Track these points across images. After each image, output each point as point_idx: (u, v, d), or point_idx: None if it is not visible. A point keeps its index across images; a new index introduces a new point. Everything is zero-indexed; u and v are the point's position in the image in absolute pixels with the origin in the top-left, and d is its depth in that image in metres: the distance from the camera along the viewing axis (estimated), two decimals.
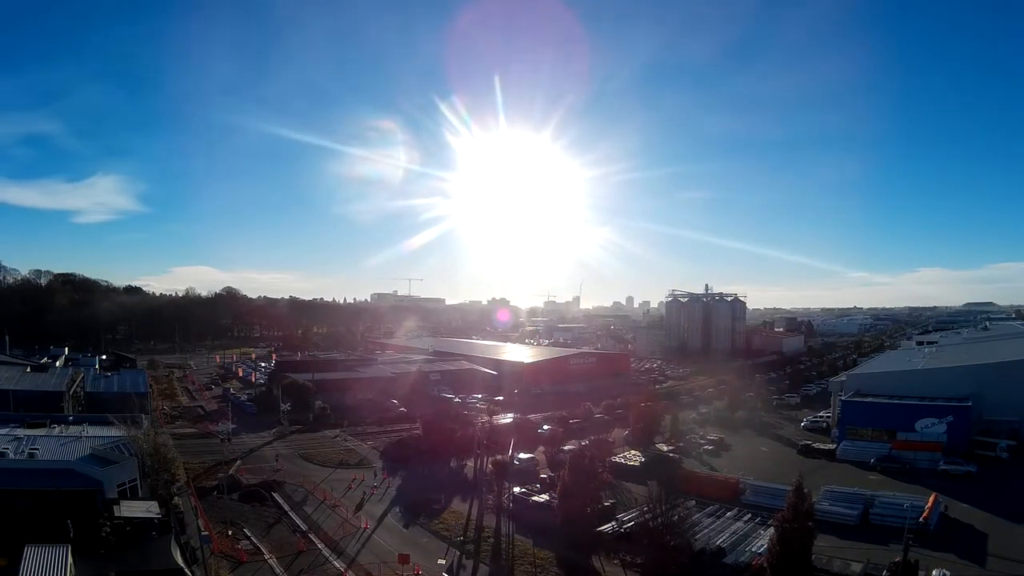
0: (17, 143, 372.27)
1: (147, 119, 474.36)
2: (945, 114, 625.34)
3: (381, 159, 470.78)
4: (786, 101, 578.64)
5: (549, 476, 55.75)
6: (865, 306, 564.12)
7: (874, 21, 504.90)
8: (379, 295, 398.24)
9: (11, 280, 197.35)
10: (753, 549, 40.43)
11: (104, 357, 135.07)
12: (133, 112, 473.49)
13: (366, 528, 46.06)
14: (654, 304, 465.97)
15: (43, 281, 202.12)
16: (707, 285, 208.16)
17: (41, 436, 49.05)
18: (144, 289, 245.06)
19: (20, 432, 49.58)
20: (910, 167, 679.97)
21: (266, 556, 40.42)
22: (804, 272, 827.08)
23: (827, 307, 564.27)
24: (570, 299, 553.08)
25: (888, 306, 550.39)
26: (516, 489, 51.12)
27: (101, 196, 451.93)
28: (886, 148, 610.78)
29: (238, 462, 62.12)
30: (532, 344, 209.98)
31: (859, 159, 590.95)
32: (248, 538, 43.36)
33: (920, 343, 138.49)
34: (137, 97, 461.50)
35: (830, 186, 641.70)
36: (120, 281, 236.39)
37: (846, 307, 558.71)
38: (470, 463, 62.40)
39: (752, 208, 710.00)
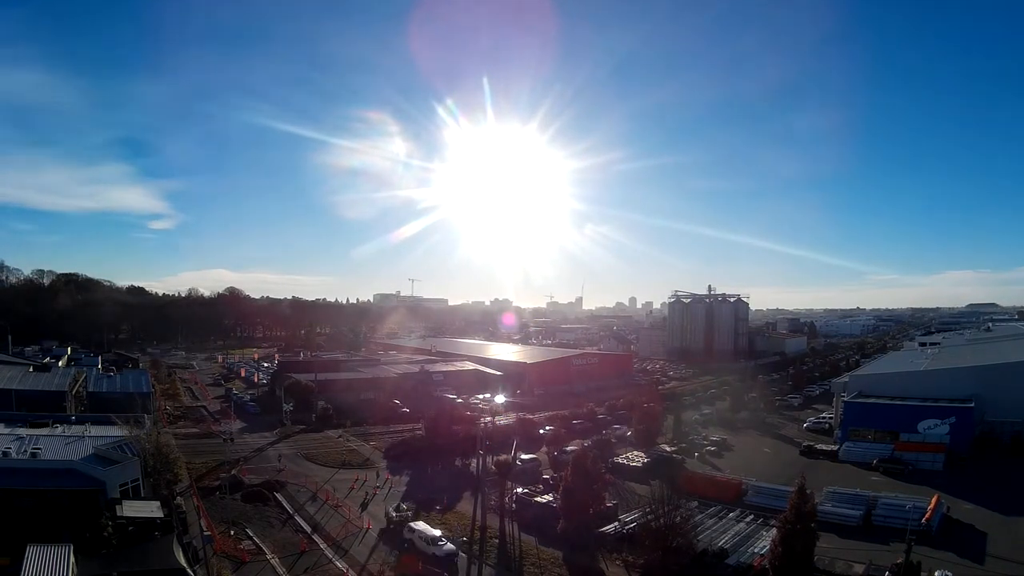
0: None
1: (148, 120, 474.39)
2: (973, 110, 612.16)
3: (382, 155, 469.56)
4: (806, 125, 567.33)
5: (552, 476, 55.74)
6: (869, 307, 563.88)
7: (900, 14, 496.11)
8: (382, 295, 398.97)
9: (14, 280, 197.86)
10: (755, 550, 40.39)
11: (107, 355, 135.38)
12: (133, 112, 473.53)
13: (368, 528, 46.10)
14: (657, 305, 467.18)
15: (46, 281, 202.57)
16: (710, 286, 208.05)
17: (44, 436, 49.13)
18: (147, 289, 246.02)
19: (23, 432, 49.69)
20: (926, 164, 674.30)
21: (268, 556, 40.47)
22: (809, 274, 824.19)
23: (830, 308, 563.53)
24: (573, 300, 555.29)
25: (891, 307, 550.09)
26: (519, 489, 51.14)
27: (116, 199, 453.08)
28: (898, 149, 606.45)
29: (241, 462, 62.19)
30: (535, 345, 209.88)
31: (865, 158, 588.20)
32: (250, 538, 43.39)
33: (923, 344, 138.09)
34: (135, 96, 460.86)
35: (852, 185, 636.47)
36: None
37: (849, 308, 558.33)
38: (473, 463, 62.39)
39: (757, 207, 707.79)
